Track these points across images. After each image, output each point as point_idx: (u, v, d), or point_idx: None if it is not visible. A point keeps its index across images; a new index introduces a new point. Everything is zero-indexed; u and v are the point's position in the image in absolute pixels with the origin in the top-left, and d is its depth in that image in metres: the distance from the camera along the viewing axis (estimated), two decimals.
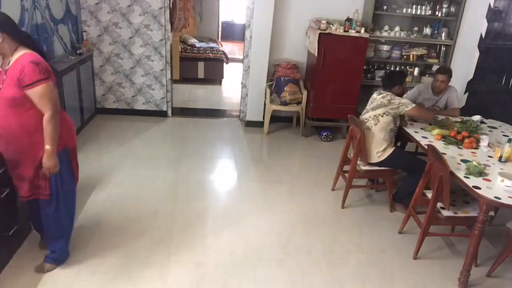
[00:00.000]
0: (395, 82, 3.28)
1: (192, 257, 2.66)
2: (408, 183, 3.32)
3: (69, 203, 2.37)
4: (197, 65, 7.05)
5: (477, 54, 5.00)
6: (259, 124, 5.07)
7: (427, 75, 5.11)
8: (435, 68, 5.14)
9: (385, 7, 4.84)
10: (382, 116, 3.19)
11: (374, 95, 3.34)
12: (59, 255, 2.44)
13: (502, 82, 5.17)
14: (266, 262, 2.67)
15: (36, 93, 2.00)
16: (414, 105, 3.17)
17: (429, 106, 3.85)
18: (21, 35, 2.08)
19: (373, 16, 4.76)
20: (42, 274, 2.38)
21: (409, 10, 4.82)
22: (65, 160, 2.24)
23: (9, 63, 2.03)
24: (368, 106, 3.36)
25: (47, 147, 2.07)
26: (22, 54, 2.02)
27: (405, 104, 3.15)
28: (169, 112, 5.28)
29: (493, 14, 4.86)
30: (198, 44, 7.21)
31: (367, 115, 3.30)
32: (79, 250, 2.61)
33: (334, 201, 3.52)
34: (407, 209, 3.03)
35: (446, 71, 3.75)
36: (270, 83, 4.95)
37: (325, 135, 4.84)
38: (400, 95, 3.29)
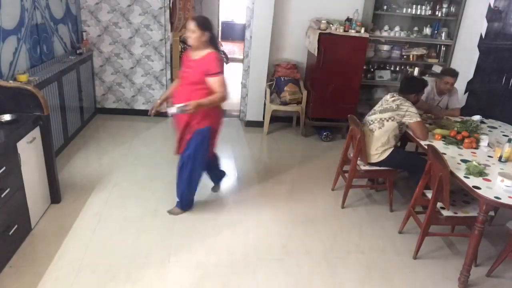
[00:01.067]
0: (413, 89, 3.21)
1: (192, 257, 2.66)
2: (415, 184, 3.30)
3: (197, 167, 2.94)
4: None
5: (477, 54, 5.00)
6: (259, 124, 5.07)
7: (427, 75, 5.10)
8: (435, 68, 5.14)
9: (385, 7, 4.84)
10: (387, 121, 3.15)
11: (387, 97, 3.26)
12: (185, 203, 3.10)
13: (502, 82, 5.17)
14: (266, 262, 2.67)
15: (215, 81, 2.67)
16: (419, 119, 3.09)
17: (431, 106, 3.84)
18: (214, 39, 2.78)
19: (373, 16, 4.76)
20: (42, 272, 2.38)
21: (409, 10, 4.82)
22: (206, 135, 2.84)
23: (200, 55, 2.71)
24: (377, 108, 3.30)
25: (201, 100, 2.63)
26: (211, 51, 2.70)
27: (410, 115, 3.08)
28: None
29: (493, 14, 4.86)
30: None
31: (373, 117, 3.25)
32: (79, 250, 2.62)
33: (334, 201, 3.52)
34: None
35: (456, 74, 3.70)
36: (270, 83, 4.95)
37: (325, 135, 4.84)
38: (414, 103, 3.19)
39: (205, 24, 2.68)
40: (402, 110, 3.10)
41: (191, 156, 2.87)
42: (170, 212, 3.10)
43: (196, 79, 2.69)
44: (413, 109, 3.11)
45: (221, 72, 2.68)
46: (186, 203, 3.12)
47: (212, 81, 2.67)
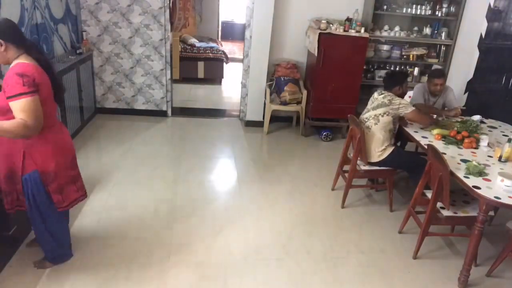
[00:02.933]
0: (396, 82, 3.27)
1: (192, 257, 2.66)
2: (415, 184, 3.33)
3: (49, 221, 2.26)
4: (197, 64, 7.04)
5: (477, 54, 5.00)
6: (259, 124, 5.07)
7: (427, 75, 5.10)
8: (435, 68, 5.14)
9: (385, 7, 4.84)
10: (382, 116, 3.19)
11: (375, 95, 3.34)
12: (52, 257, 2.44)
13: (502, 82, 5.17)
14: (266, 262, 2.67)
15: (15, 106, 1.87)
16: (413, 108, 3.16)
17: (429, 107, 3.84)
18: (25, 43, 2.02)
19: (373, 16, 4.76)
20: (43, 271, 2.39)
21: (409, 10, 4.82)
22: (35, 183, 2.11)
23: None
24: (369, 106, 3.35)
25: None
26: (15, 63, 1.95)
27: (405, 106, 3.15)
28: (169, 112, 5.28)
29: (493, 14, 4.86)
30: (198, 44, 7.21)
31: (368, 114, 3.30)
32: (79, 250, 2.61)
33: (334, 201, 3.52)
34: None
35: (442, 74, 3.76)
36: (270, 83, 4.95)
37: (325, 135, 4.84)
38: (401, 96, 3.28)
39: (3, 32, 1.94)
40: (395, 104, 3.15)
41: (34, 210, 2.18)
42: (37, 265, 2.43)
43: (2, 106, 1.92)
44: (404, 101, 3.20)
45: (25, 93, 1.86)
46: (54, 257, 2.45)
47: (12, 108, 1.88)
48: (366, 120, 3.29)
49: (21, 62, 1.95)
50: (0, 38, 1.92)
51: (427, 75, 5.05)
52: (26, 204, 2.18)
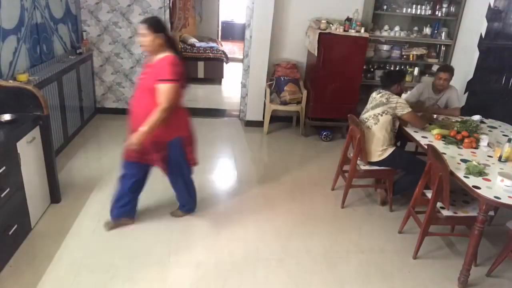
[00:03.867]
0: (393, 80, 3.28)
1: (192, 257, 2.66)
2: (405, 179, 3.35)
3: (185, 180, 2.90)
4: (197, 64, 7.04)
5: (477, 53, 4.99)
6: (259, 124, 5.07)
7: (427, 75, 5.11)
8: (435, 68, 5.14)
9: (385, 7, 4.84)
10: (381, 115, 3.19)
11: (374, 94, 3.34)
12: (188, 207, 3.07)
13: (502, 82, 5.16)
14: (266, 262, 2.67)
15: (161, 88, 2.42)
16: (410, 109, 3.16)
17: (429, 105, 3.85)
18: (170, 38, 2.55)
19: (373, 16, 4.76)
20: (43, 271, 2.38)
21: (409, 10, 4.83)
22: (178, 146, 2.68)
23: (155, 60, 2.50)
24: (368, 106, 3.36)
25: (143, 128, 2.43)
26: (167, 54, 2.49)
27: (401, 106, 3.15)
28: None
29: (493, 14, 4.86)
30: (198, 44, 7.20)
31: (367, 114, 3.30)
32: (79, 250, 2.62)
33: (334, 201, 3.52)
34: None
35: (449, 69, 3.74)
36: (270, 82, 4.95)
37: (325, 134, 4.84)
38: (399, 94, 3.29)
39: (157, 26, 2.49)
40: (393, 103, 3.16)
41: (174, 170, 2.81)
42: (173, 214, 3.08)
43: (151, 85, 2.47)
44: (402, 101, 3.20)
45: (171, 80, 2.43)
46: (189, 207, 3.09)
47: (159, 89, 2.44)
48: (366, 120, 3.29)
49: (171, 55, 2.50)
50: (155, 29, 2.45)
51: (427, 74, 5.08)
52: (168, 165, 2.74)
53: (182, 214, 3.08)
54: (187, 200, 3.04)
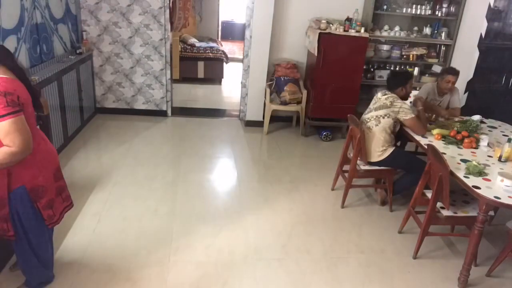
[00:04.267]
0: (398, 83, 3.24)
1: (192, 257, 2.66)
2: (405, 179, 3.35)
3: (36, 245, 2.10)
4: (197, 64, 7.04)
5: (477, 53, 5.00)
6: (259, 124, 5.07)
7: (427, 75, 5.11)
8: (435, 68, 5.14)
9: (385, 7, 4.84)
10: (383, 118, 3.18)
11: (379, 95, 3.30)
12: (36, 282, 2.27)
13: (502, 82, 5.17)
14: (266, 262, 2.67)
15: (0, 129, 1.72)
16: (413, 115, 3.13)
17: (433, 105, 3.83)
18: (3, 57, 1.84)
19: (373, 16, 4.76)
20: None
21: (409, 9, 4.82)
22: (22, 200, 1.94)
23: None
24: (372, 106, 3.33)
25: None
26: None
27: (405, 112, 3.12)
28: (169, 112, 5.28)
29: (493, 14, 4.86)
30: (198, 44, 7.21)
31: (370, 114, 3.29)
32: (78, 250, 2.62)
33: (334, 201, 3.52)
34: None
35: (456, 72, 3.68)
36: (270, 82, 4.95)
37: (325, 134, 4.84)
38: (404, 97, 3.25)
39: None
40: (396, 107, 3.14)
41: (20, 234, 2.02)
42: None
43: None
44: (406, 106, 3.16)
45: (9, 113, 1.71)
46: (37, 284, 2.28)
47: None
48: (368, 120, 3.28)
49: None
50: None
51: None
52: (11, 227, 1.98)
53: None
54: (40, 272, 2.23)
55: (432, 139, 3.16)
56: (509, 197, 2.33)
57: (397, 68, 5.19)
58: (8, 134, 1.73)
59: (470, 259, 2.53)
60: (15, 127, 1.74)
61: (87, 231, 2.82)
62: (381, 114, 3.19)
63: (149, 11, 4.75)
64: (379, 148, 3.23)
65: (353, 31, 4.49)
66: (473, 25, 4.88)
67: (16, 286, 2.28)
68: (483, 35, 4.93)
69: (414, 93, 3.93)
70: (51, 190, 2.08)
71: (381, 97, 3.26)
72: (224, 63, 7.22)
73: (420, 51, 5.05)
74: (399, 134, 3.41)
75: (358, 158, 3.32)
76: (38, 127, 2.12)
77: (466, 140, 3.06)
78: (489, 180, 2.52)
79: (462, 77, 5.04)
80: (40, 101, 2.09)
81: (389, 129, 3.21)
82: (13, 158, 1.77)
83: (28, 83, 1.94)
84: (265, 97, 4.95)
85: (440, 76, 3.77)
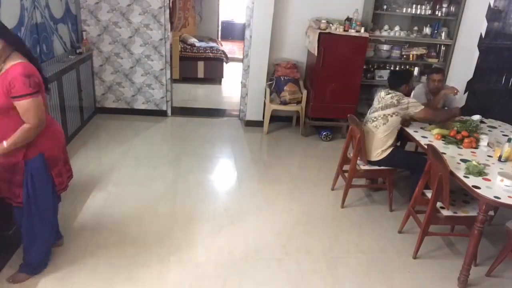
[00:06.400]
0: (402, 81, 3.27)
1: (191, 257, 2.66)
2: (413, 183, 3.32)
3: (44, 213, 2.24)
4: (196, 64, 7.04)
5: (477, 53, 5.00)
6: (259, 124, 5.07)
7: (426, 75, 5.10)
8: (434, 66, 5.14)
9: (385, 7, 4.84)
10: (391, 116, 3.17)
11: (382, 94, 3.29)
12: (34, 265, 2.34)
13: (502, 82, 5.17)
14: (266, 262, 2.68)
15: (22, 106, 1.97)
16: (422, 106, 3.14)
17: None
18: (16, 42, 2.03)
19: (373, 16, 4.76)
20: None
21: (409, 9, 4.82)
22: (39, 167, 2.13)
23: (1, 70, 1.96)
24: (376, 105, 3.31)
25: (4, 143, 2.01)
26: (15, 63, 1.95)
27: (414, 106, 3.14)
28: (169, 112, 5.28)
29: (493, 14, 4.86)
30: (198, 44, 7.20)
31: (377, 114, 3.26)
32: (78, 250, 2.62)
33: (334, 200, 3.52)
34: None
35: (440, 70, 3.77)
36: (270, 82, 4.95)
37: (325, 134, 4.84)
38: (407, 94, 3.29)
39: None
40: (404, 104, 3.15)
41: (31, 199, 2.16)
42: (12, 279, 2.31)
43: (3, 103, 1.96)
44: (413, 100, 3.20)
45: (31, 93, 1.95)
46: (35, 265, 2.35)
47: (18, 107, 1.97)
48: (374, 119, 3.26)
49: (21, 62, 1.97)
50: None
51: (426, 75, 5.07)
52: (23, 193, 2.13)
53: (23, 278, 2.32)
54: (35, 254, 2.31)
55: (432, 139, 3.16)
56: (509, 197, 2.33)
57: (397, 68, 5.19)
58: (26, 111, 1.98)
59: (470, 259, 2.53)
60: (33, 106, 1.98)
61: (87, 231, 2.82)
62: (389, 112, 3.18)
63: (149, 11, 4.75)
64: (380, 148, 3.23)
65: (353, 31, 4.49)
66: (473, 25, 4.88)
67: (13, 273, 2.33)
68: (483, 35, 4.92)
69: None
70: (61, 160, 2.31)
71: (384, 96, 3.24)
72: (224, 63, 7.22)
73: (420, 51, 5.05)
74: (399, 134, 3.41)
75: (358, 158, 3.32)
76: None
77: (466, 140, 3.06)
78: (489, 180, 2.52)
79: (462, 77, 5.06)
80: (48, 84, 2.27)
81: (396, 129, 3.22)
82: (28, 134, 2.02)
83: (40, 70, 2.13)
84: (265, 97, 4.94)
85: (427, 78, 3.81)
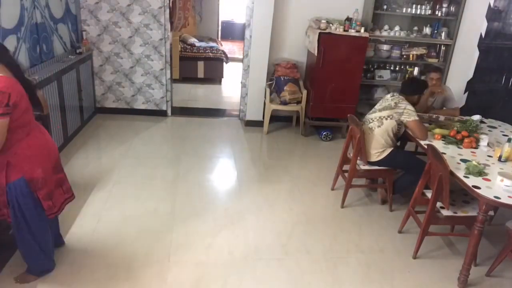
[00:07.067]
0: (416, 91, 3.25)
1: (191, 257, 2.66)
2: (403, 178, 3.35)
3: (35, 233, 2.17)
4: (196, 64, 7.04)
5: (477, 53, 5.00)
6: (259, 124, 5.06)
7: (426, 75, 5.10)
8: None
9: (385, 7, 4.84)
10: (386, 119, 3.17)
11: (388, 96, 3.29)
12: (38, 269, 2.34)
13: (502, 82, 5.17)
14: (266, 262, 2.67)
15: None
16: (417, 118, 3.10)
17: (429, 106, 3.84)
18: (2, 55, 1.91)
19: (373, 16, 4.75)
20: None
21: (409, 9, 4.82)
22: (21, 191, 2.03)
23: None
24: (377, 106, 3.31)
25: None
26: None
27: (408, 113, 3.09)
28: (169, 112, 5.28)
29: (493, 14, 4.86)
30: (198, 44, 7.20)
31: (374, 115, 3.27)
32: (78, 250, 2.62)
33: (334, 200, 3.52)
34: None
35: (437, 69, 3.77)
36: (269, 82, 4.95)
37: (325, 134, 4.84)
38: (415, 104, 3.25)
39: None
40: (400, 108, 3.12)
41: (20, 220, 2.10)
42: (20, 279, 2.31)
43: None
44: (410, 107, 3.13)
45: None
46: (38, 271, 2.35)
47: None
48: (371, 120, 3.27)
49: None
50: None
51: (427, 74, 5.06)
52: (11, 215, 2.07)
53: (33, 279, 2.32)
54: (41, 260, 2.30)
55: (432, 139, 3.16)
56: (509, 197, 2.33)
57: (397, 68, 5.19)
58: None
59: (470, 259, 2.53)
60: None
61: (87, 231, 2.82)
62: (384, 115, 3.18)
63: (149, 10, 4.74)
64: (377, 149, 3.23)
65: (353, 31, 4.49)
66: (473, 25, 4.88)
67: (18, 274, 2.32)
68: (483, 35, 4.93)
69: None
70: (50, 182, 2.15)
71: (389, 98, 3.25)
72: (224, 63, 7.22)
73: (420, 51, 5.05)
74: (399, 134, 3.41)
75: (358, 158, 3.32)
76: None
77: (466, 140, 3.06)
78: (489, 180, 2.52)
79: (462, 77, 5.06)
80: (38, 97, 2.15)
81: (392, 132, 3.19)
82: None
83: (24, 79, 1.99)
84: (265, 97, 4.94)
85: (426, 77, 3.82)
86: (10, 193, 2.02)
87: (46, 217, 2.20)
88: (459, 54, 4.98)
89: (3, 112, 1.82)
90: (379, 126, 3.19)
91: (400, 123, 3.18)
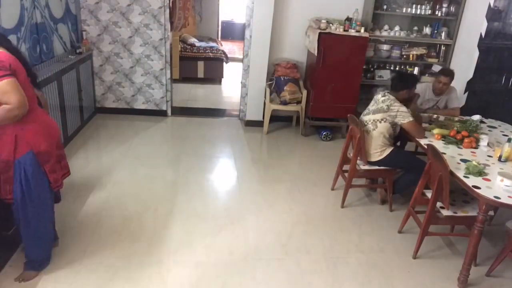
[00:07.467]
0: (403, 86, 3.21)
1: (191, 257, 2.66)
2: (403, 178, 3.34)
3: (40, 209, 2.23)
4: (196, 64, 7.04)
5: (477, 53, 5.00)
6: (259, 124, 5.07)
7: (427, 75, 5.11)
8: (435, 67, 5.14)
9: (385, 7, 4.84)
10: (380, 122, 3.17)
11: (379, 96, 3.28)
12: (35, 262, 2.36)
13: (502, 82, 5.17)
14: (266, 262, 2.68)
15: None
16: (411, 119, 3.09)
17: (429, 107, 3.85)
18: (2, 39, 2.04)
19: (373, 16, 4.76)
20: (36, 277, 2.34)
21: (409, 9, 4.82)
22: (31, 163, 2.11)
23: None
24: (370, 107, 3.32)
25: None
26: None
27: (402, 115, 3.09)
28: (169, 112, 5.28)
29: (493, 14, 4.86)
30: (198, 44, 7.20)
31: (368, 117, 3.28)
32: (78, 250, 2.62)
33: (334, 200, 3.52)
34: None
35: (450, 73, 3.71)
36: (269, 82, 4.95)
37: (324, 134, 4.84)
38: (407, 100, 3.23)
39: None
40: (393, 111, 3.12)
41: (26, 195, 2.15)
42: (21, 278, 2.32)
43: None
44: (403, 109, 3.12)
45: (3, 75, 1.90)
46: (39, 261, 2.38)
47: None
48: (366, 123, 3.27)
49: None
50: None
51: (427, 74, 5.06)
52: (16, 192, 2.12)
53: (31, 275, 2.34)
54: (36, 251, 2.33)
55: (432, 139, 3.16)
56: (509, 197, 2.33)
57: (397, 68, 5.20)
58: (4, 93, 1.91)
59: (470, 259, 2.53)
60: (10, 87, 1.91)
61: (86, 231, 2.82)
62: (378, 118, 3.18)
63: (149, 10, 4.74)
64: (377, 149, 3.23)
65: (353, 31, 4.49)
66: (473, 25, 4.88)
67: (19, 274, 2.33)
68: (483, 35, 4.93)
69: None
70: (53, 157, 2.24)
71: (380, 98, 3.24)
72: (224, 63, 7.22)
73: (420, 51, 5.05)
74: (399, 133, 3.41)
75: (358, 158, 3.32)
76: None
77: (466, 140, 3.06)
78: (489, 180, 2.52)
79: (462, 77, 5.06)
80: (36, 81, 2.25)
81: (387, 133, 3.19)
82: (10, 113, 1.94)
83: (24, 61, 2.11)
84: (265, 97, 4.94)
85: (436, 76, 3.79)
86: (19, 167, 2.09)
87: (50, 192, 2.28)
88: (459, 54, 4.98)
89: (9, 72, 1.93)
90: (374, 129, 3.20)
91: (394, 124, 3.18)
